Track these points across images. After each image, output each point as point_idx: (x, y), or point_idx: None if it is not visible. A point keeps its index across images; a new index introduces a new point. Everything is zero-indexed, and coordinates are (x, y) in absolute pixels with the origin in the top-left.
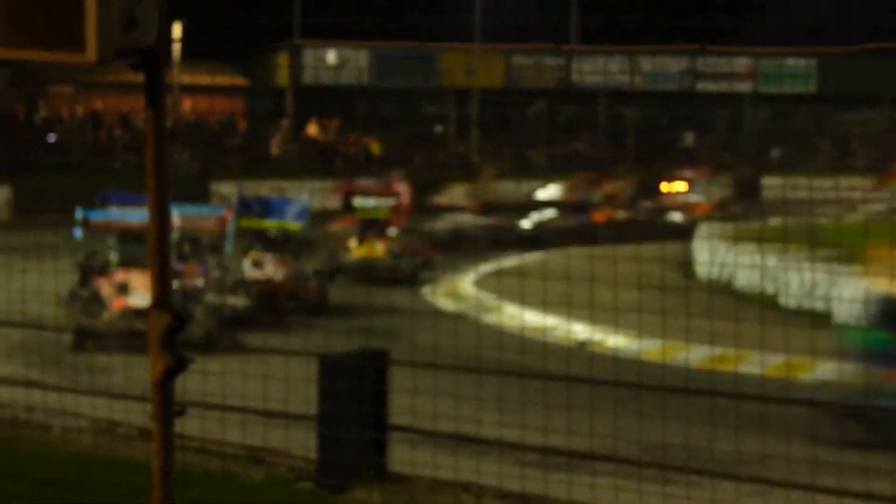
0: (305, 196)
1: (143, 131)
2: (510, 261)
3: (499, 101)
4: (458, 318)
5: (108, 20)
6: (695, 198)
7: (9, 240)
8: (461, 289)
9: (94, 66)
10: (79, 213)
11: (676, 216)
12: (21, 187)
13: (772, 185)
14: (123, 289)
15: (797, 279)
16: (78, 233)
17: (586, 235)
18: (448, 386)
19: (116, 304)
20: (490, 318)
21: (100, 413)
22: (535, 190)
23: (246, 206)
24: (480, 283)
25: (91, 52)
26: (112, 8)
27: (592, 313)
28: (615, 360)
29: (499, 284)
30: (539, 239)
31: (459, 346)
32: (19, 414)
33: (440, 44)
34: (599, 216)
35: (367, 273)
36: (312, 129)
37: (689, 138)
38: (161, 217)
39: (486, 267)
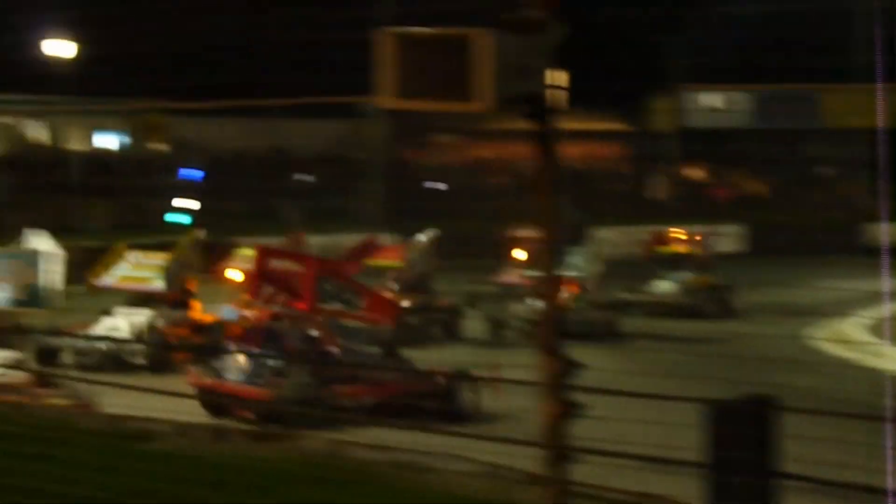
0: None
1: (527, 177)
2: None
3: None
4: (844, 364)
5: (499, 70)
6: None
7: None
8: (849, 334)
9: (483, 115)
10: None
11: None
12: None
13: None
14: None
15: None
16: None
17: None
18: (837, 433)
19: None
20: (881, 364)
21: (486, 458)
22: None
23: None
24: (874, 328)
25: (483, 102)
26: (503, 59)
27: None
28: None
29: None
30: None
31: (848, 392)
32: (400, 457)
33: (822, 85)
34: None
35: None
36: (695, 173)
37: None
38: (554, 263)
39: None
